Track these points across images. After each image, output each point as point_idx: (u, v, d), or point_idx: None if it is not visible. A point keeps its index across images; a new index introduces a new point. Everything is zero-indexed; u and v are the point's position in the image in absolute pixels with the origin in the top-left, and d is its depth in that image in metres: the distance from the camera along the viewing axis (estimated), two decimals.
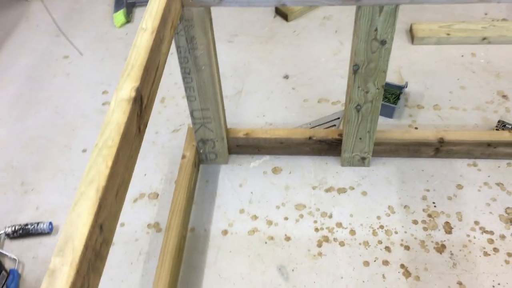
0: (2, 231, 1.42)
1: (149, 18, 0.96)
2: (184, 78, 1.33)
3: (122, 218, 1.44)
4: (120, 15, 2.12)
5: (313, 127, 1.69)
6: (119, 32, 2.11)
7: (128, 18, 2.14)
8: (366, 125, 1.42)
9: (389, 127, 1.66)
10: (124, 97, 0.80)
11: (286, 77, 1.87)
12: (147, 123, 0.89)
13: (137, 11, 2.22)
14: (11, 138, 1.71)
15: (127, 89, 0.83)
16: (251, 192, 1.51)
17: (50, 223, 1.44)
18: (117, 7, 2.17)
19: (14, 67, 1.97)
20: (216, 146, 1.54)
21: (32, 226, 1.42)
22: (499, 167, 1.52)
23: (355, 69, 1.27)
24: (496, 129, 1.60)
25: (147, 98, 0.88)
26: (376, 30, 1.17)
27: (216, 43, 1.29)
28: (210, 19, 1.23)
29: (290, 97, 1.79)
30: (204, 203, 1.49)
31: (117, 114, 0.78)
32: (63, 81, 1.90)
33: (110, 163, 0.70)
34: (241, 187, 1.52)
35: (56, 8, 2.28)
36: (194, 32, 1.21)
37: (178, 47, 1.25)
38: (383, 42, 1.20)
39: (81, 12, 2.25)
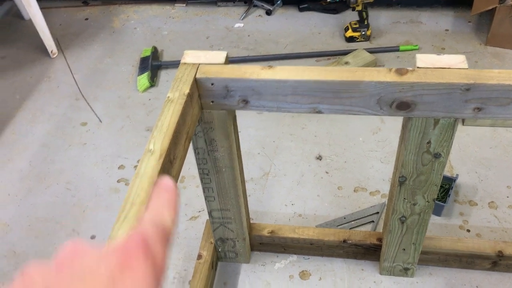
0: None
1: (158, 136, 0.80)
2: (202, 179, 1.17)
3: None
4: (143, 79, 2.00)
5: (348, 222, 1.49)
6: (142, 97, 1.99)
7: (152, 82, 2.01)
8: (411, 237, 1.22)
9: (437, 227, 1.45)
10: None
11: (319, 158, 1.68)
12: None
13: (162, 74, 2.10)
14: (17, 218, 1.57)
15: (122, 237, 0.66)
16: None
17: None
18: (141, 69, 2.05)
19: (29, 134, 1.86)
20: (237, 246, 1.36)
21: None
22: None
23: (401, 181, 1.08)
24: None
25: None
26: (429, 143, 0.98)
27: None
28: (234, 121, 1.07)
29: (323, 183, 1.60)
30: None
31: None
32: (78, 152, 1.77)
33: None
34: None
35: (80, 67, 2.18)
36: (214, 135, 1.04)
37: (196, 148, 1.09)
38: (437, 156, 1.00)
39: (104, 72, 2.14)
